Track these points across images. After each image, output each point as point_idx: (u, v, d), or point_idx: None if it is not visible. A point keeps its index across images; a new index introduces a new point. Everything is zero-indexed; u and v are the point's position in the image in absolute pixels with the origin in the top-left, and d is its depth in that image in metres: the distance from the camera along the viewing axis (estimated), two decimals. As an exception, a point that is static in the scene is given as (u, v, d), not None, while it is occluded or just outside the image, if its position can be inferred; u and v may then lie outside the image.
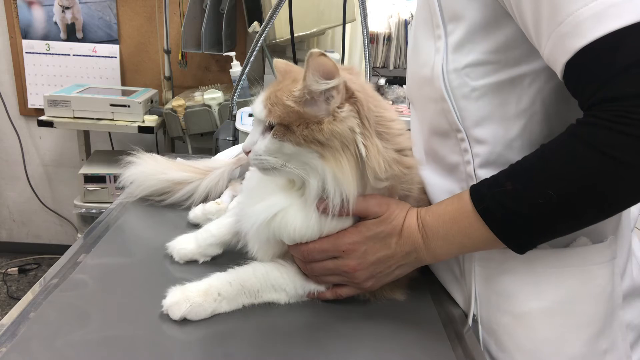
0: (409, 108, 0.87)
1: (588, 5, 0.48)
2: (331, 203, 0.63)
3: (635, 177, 0.50)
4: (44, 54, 2.44)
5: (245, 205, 0.72)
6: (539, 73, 0.61)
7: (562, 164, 0.53)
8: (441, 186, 0.71)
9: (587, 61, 0.50)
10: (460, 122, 0.65)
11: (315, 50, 0.58)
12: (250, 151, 0.65)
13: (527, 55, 0.60)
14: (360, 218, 0.67)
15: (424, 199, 0.74)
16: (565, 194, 0.53)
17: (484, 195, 0.59)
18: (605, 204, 0.53)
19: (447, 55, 0.64)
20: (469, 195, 0.61)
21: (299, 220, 0.66)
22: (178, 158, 1.32)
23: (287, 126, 0.62)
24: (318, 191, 0.63)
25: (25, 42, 2.42)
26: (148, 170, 0.97)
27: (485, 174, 0.62)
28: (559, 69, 0.53)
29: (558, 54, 0.52)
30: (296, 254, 0.69)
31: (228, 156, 1.11)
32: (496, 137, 0.64)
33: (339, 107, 0.61)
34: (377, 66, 2.49)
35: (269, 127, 0.63)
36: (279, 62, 0.72)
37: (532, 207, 0.55)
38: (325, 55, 0.58)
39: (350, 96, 0.62)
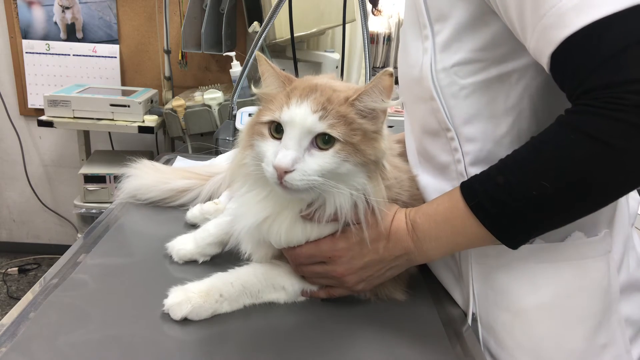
0: (402, 108, 0.87)
1: None
2: (343, 215, 0.63)
3: (628, 163, 0.50)
4: (44, 54, 2.44)
5: (238, 208, 0.71)
6: (526, 69, 0.61)
7: (554, 153, 0.53)
8: (434, 186, 0.71)
9: (572, 51, 0.50)
10: (450, 121, 0.65)
11: (389, 69, 0.58)
12: (291, 171, 0.57)
13: (513, 52, 0.60)
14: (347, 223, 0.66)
15: (411, 204, 0.73)
16: (558, 183, 0.53)
17: (476, 192, 0.59)
18: (599, 191, 0.53)
19: (435, 55, 0.64)
20: (460, 192, 0.61)
21: (285, 226, 0.66)
22: (178, 157, 1.32)
23: (354, 145, 0.59)
24: (347, 207, 0.62)
25: (25, 42, 2.42)
26: (149, 182, 0.98)
27: (476, 171, 0.63)
28: (545, 61, 0.53)
29: (543, 46, 0.52)
30: (287, 256, 0.70)
31: (228, 159, 1.12)
32: (485, 134, 0.64)
33: (382, 126, 0.62)
34: (377, 66, 2.49)
35: (323, 142, 0.58)
36: (277, 70, 0.65)
37: (525, 199, 0.55)
38: (392, 76, 0.58)
39: None
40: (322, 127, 0.58)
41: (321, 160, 0.58)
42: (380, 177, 0.63)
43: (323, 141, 0.59)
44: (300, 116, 0.58)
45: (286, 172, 0.57)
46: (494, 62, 0.62)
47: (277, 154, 0.58)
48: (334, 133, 0.58)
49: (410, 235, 0.64)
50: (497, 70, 0.62)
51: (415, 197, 0.73)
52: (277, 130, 0.61)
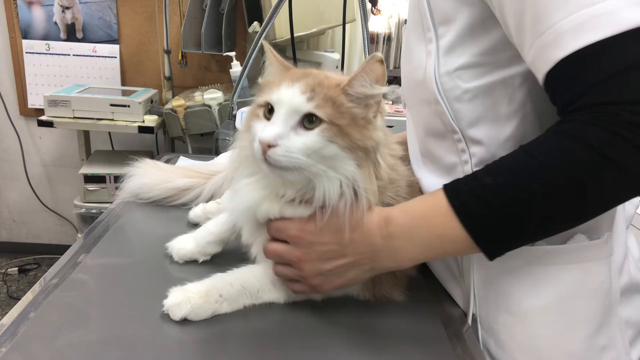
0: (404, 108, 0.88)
1: (568, 18, 0.49)
2: (327, 205, 0.62)
3: (620, 176, 0.50)
4: (44, 54, 2.44)
5: (235, 192, 0.71)
6: (528, 74, 0.61)
7: (548, 157, 0.52)
8: (439, 186, 0.71)
9: (567, 71, 0.51)
10: (456, 123, 0.65)
11: (379, 54, 0.58)
12: (274, 145, 0.58)
13: (517, 57, 0.60)
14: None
15: None
16: (549, 187, 0.52)
17: (461, 191, 0.58)
18: (587, 201, 0.53)
19: (438, 58, 0.64)
20: (444, 191, 0.59)
21: (267, 200, 0.66)
22: (181, 157, 1.32)
23: (340, 127, 0.59)
24: (334, 197, 0.61)
25: (25, 42, 2.42)
26: (152, 180, 0.98)
27: None
28: (540, 77, 0.54)
29: (540, 63, 0.53)
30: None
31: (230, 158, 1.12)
32: (490, 137, 0.64)
33: (374, 116, 0.62)
34: (377, 66, 2.48)
35: (309, 122, 0.59)
36: (278, 59, 0.68)
37: (513, 202, 0.54)
38: (383, 63, 0.58)
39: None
40: (308, 107, 0.59)
41: (305, 138, 0.59)
42: (373, 171, 0.63)
43: (309, 121, 0.59)
44: (289, 96, 0.60)
45: (270, 147, 0.58)
46: (497, 66, 0.61)
47: (264, 129, 0.60)
48: (319, 113, 0.58)
49: (379, 230, 0.62)
50: (500, 74, 0.61)
51: None
52: (270, 112, 0.62)
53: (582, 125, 0.50)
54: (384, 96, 0.63)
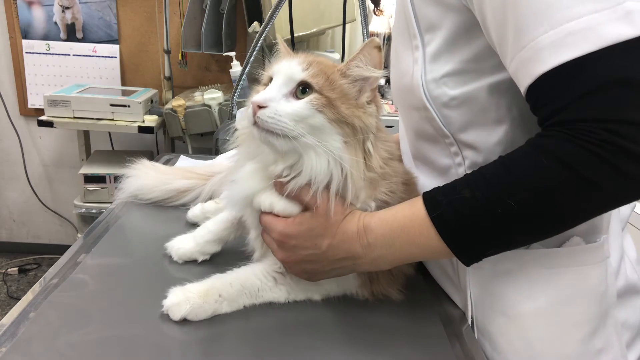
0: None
1: (547, 33, 0.49)
2: (332, 189, 0.62)
3: (594, 193, 0.50)
4: (44, 54, 2.44)
5: (235, 185, 0.72)
6: (513, 80, 0.61)
7: (524, 174, 0.53)
8: (431, 187, 0.71)
9: (547, 86, 0.51)
10: (447, 128, 0.65)
11: (377, 39, 0.61)
12: (265, 106, 0.61)
13: (501, 64, 0.59)
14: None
15: None
16: (525, 204, 0.52)
17: (439, 203, 0.58)
18: (563, 215, 0.54)
19: (425, 65, 0.64)
20: (422, 202, 0.60)
21: (262, 191, 0.67)
22: (182, 156, 1.32)
23: (329, 99, 0.61)
24: (322, 176, 0.62)
25: (25, 42, 2.42)
26: (151, 182, 0.98)
27: None
28: (522, 89, 0.54)
29: (521, 77, 0.53)
30: None
31: (229, 158, 1.12)
32: (482, 141, 0.64)
33: (368, 103, 0.65)
34: (377, 66, 2.48)
35: (301, 91, 0.62)
36: (286, 49, 0.72)
37: (490, 216, 0.55)
38: (381, 50, 0.62)
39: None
40: (302, 75, 0.62)
41: (295, 105, 0.61)
42: (361, 154, 0.64)
43: (302, 91, 0.62)
44: (287, 65, 0.64)
45: (260, 108, 0.61)
46: (483, 72, 0.61)
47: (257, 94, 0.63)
48: (312, 81, 0.61)
49: (358, 239, 0.63)
50: (487, 81, 0.61)
51: None
52: None
53: (559, 142, 0.50)
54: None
